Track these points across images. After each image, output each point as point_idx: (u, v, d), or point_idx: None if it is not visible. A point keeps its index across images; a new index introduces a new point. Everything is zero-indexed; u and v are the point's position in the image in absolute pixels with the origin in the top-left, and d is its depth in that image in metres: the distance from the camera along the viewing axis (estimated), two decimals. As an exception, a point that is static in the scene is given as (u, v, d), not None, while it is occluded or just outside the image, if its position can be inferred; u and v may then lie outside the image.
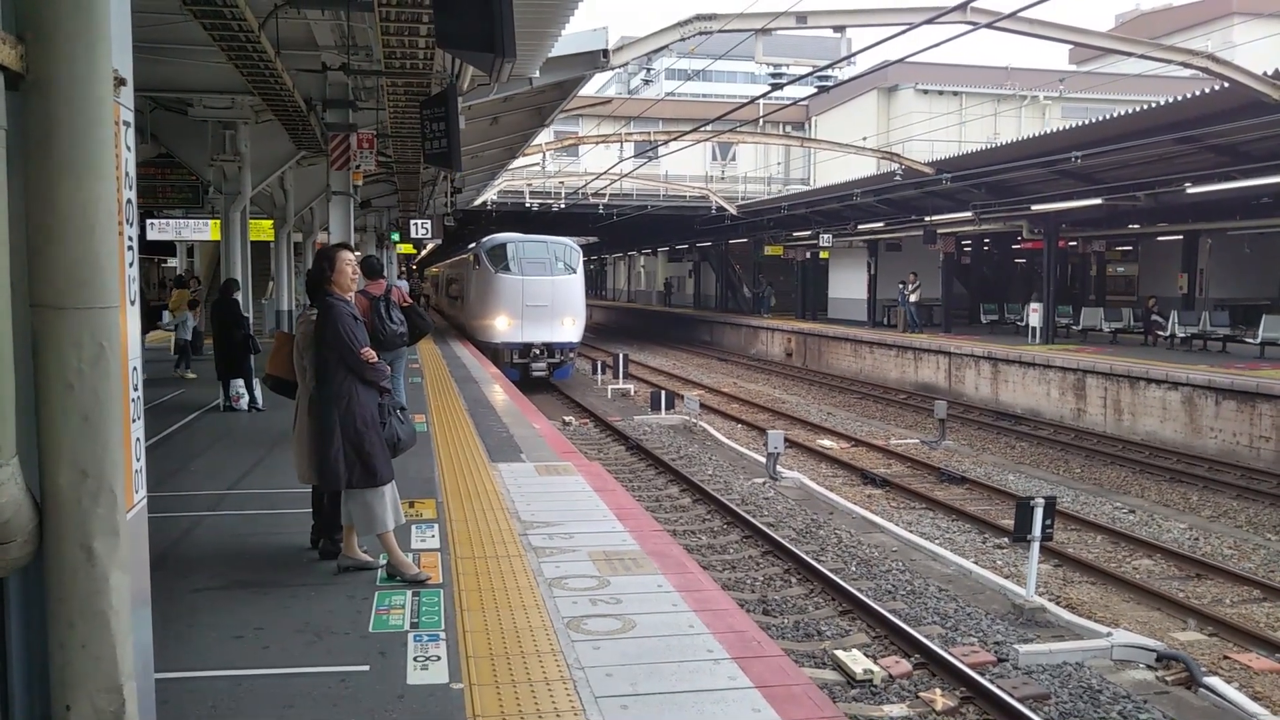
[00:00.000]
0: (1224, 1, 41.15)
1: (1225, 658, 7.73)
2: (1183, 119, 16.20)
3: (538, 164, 35.20)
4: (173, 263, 33.06)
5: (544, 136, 24.34)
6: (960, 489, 13.54)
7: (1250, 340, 19.67)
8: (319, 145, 13.14)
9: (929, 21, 12.92)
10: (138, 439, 2.68)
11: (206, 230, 17.87)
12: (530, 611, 5.04)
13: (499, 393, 15.22)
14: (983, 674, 6.76)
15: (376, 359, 5.50)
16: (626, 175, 30.87)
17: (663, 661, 4.46)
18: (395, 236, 27.20)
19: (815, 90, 44.38)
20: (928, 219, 25.88)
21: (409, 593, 5.28)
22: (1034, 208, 22.34)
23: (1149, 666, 7.31)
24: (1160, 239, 26.37)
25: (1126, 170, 19.57)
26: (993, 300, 29.57)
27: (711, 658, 4.53)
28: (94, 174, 2.37)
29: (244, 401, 12.22)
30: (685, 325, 43.60)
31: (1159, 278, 27.22)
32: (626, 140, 29.11)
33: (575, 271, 24.62)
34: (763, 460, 14.23)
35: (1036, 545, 8.51)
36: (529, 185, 35.24)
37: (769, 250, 37.13)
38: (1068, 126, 19.26)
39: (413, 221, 22.36)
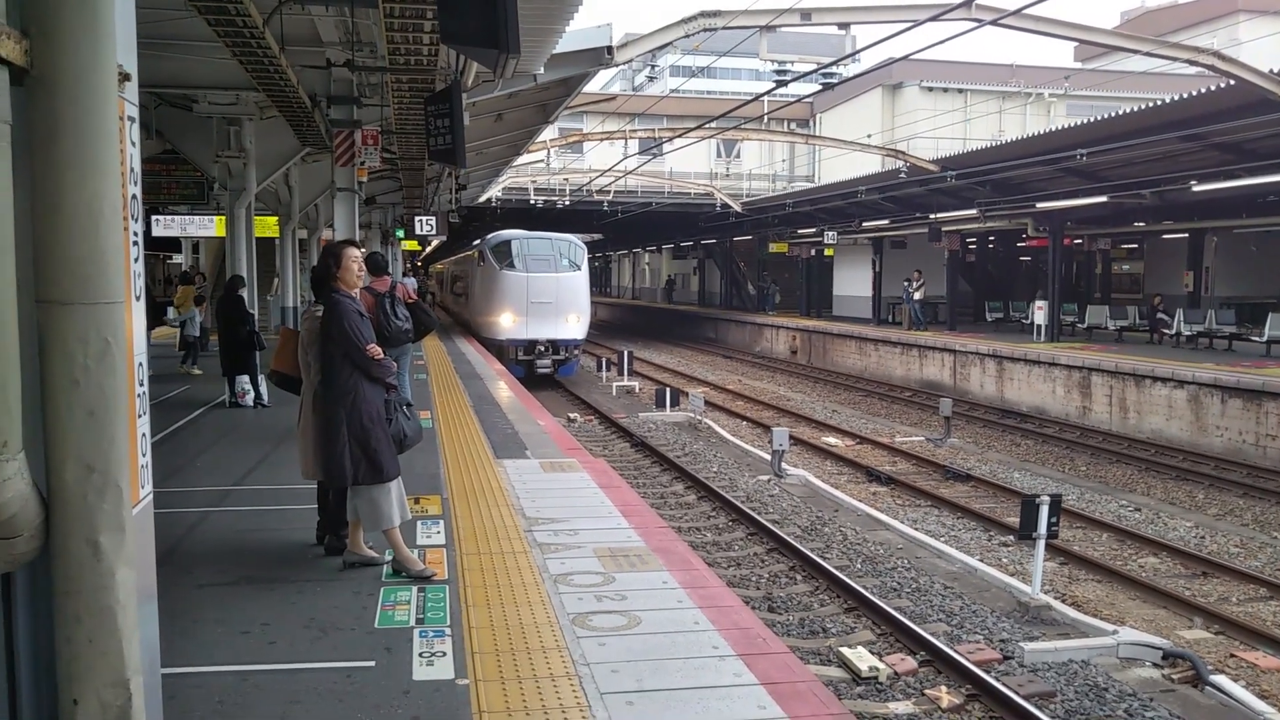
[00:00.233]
0: (1230, -2, 41.01)
1: (1231, 656, 7.72)
2: (1188, 117, 16.15)
3: (542, 161, 35.21)
4: (178, 259, 33.10)
5: (548, 133, 24.31)
6: (965, 486, 13.52)
7: (1256, 338, 19.61)
8: (324, 141, 13.13)
9: (934, 18, 12.89)
10: (143, 434, 2.68)
11: (211, 226, 17.87)
12: (535, 607, 5.05)
13: (504, 389, 15.23)
14: (988, 671, 6.75)
15: (382, 355, 5.50)
16: (631, 172, 30.84)
17: (668, 658, 4.46)
18: (400, 233, 27.18)
19: (820, 87, 44.34)
20: (933, 216, 25.84)
21: (414, 589, 5.28)
22: (1039, 205, 22.29)
23: (1155, 664, 7.30)
24: (1166, 237, 26.30)
25: (1132, 168, 19.52)
26: (998, 298, 29.52)
27: (717, 654, 4.53)
28: (99, 170, 2.36)
29: (249, 398, 12.24)
30: (690, 322, 43.58)
31: (1165, 276, 27.17)
32: (631, 137, 29.10)
33: (580, 268, 24.61)
34: (768, 457, 14.23)
35: (1042, 543, 8.49)
36: (533, 182, 35.24)
37: (774, 247, 37.11)
38: (1073, 124, 19.20)
39: (418, 218, 22.36)
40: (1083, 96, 41.14)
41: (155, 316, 20.31)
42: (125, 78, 2.50)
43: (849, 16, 15.03)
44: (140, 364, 2.66)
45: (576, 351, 24.46)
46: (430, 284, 48.67)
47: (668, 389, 19.96)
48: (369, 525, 5.55)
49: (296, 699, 3.95)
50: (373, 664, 4.29)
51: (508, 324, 23.52)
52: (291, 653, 4.45)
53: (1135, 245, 29.76)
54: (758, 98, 18.69)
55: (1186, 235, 24.33)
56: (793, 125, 45.64)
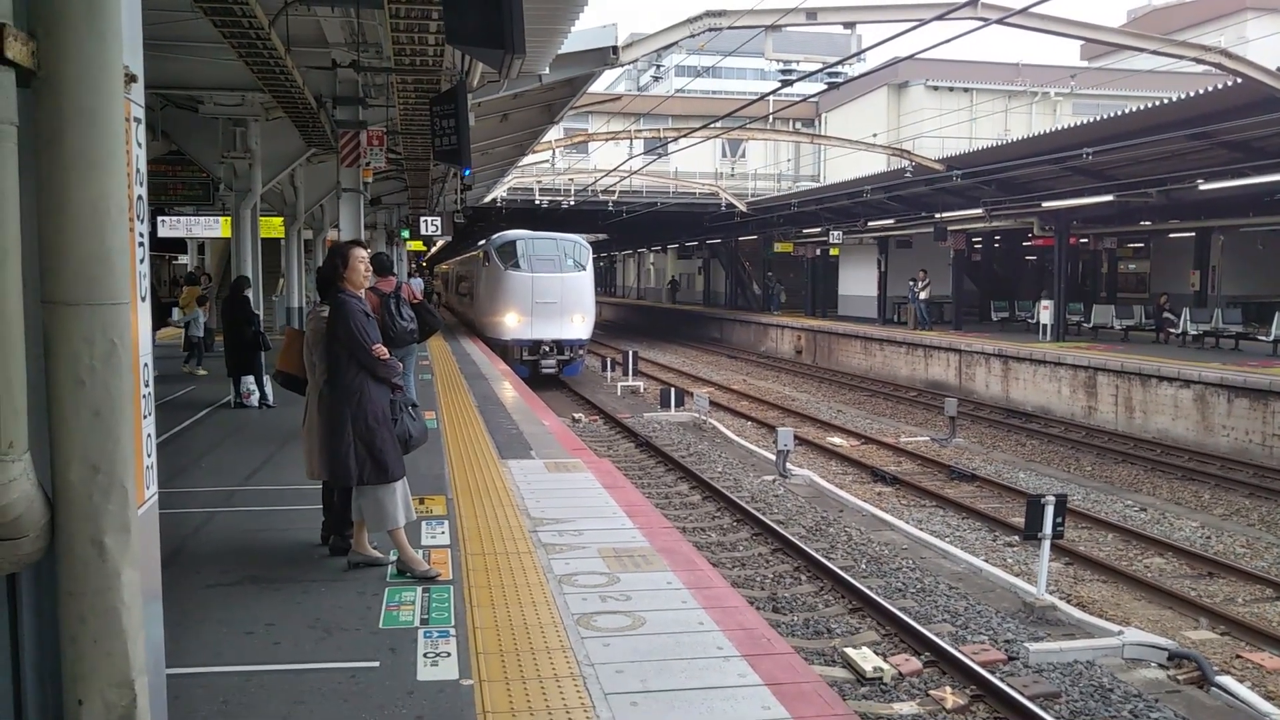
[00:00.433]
0: (1237, -3, 40.90)
1: (1238, 657, 7.70)
2: (1195, 115, 16.11)
3: (547, 161, 35.24)
4: (183, 259, 33.18)
5: (553, 133, 24.33)
6: (970, 487, 13.50)
7: (1263, 338, 19.57)
8: (329, 142, 13.15)
9: (939, 17, 12.86)
10: (149, 435, 2.68)
11: (217, 227, 17.92)
12: (540, 608, 5.05)
13: (508, 389, 15.24)
14: (993, 672, 6.74)
15: (388, 355, 5.51)
16: (636, 172, 30.84)
17: (672, 658, 4.46)
18: (405, 233, 27.22)
19: (825, 87, 44.25)
20: (938, 216, 25.80)
21: (419, 589, 5.29)
22: (1045, 204, 22.26)
23: (1160, 665, 7.28)
24: (1172, 236, 26.26)
25: (1138, 167, 19.48)
26: (1003, 297, 29.47)
27: (721, 655, 4.53)
28: (105, 170, 2.37)
29: (254, 398, 12.26)
30: (695, 322, 43.57)
31: (1171, 275, 27.11)
32: (636, 137, 29.05)
33: (585, 269, 24.61)
34: (772, 458, 14.22)
35: (1047, 543, 8.48)
36: (538, 182, 35.25)
37: (779, 247, 37.08)
38: (1079, 123, 19.17)
39: (423, 218, 22.38)
40: (1089, 95, 41.05)
41: (160, 317, 20.35)
42: (131, 79, 2.51)
43: (854, 16, 15.01)
44: (146, 364, 2.66)
45: (581, 352, 24.46)
46: (436, 284, 48.73)
47: (672, 389, 19.96)
48: (374, 525, 5.56)
49: (301, 699, 3.95)
50: (377, 664, 4.30)
51: (512, 324, 23.53)
52: (296, 653, 4.45)
53: (1141, 244, 29.71)
54: (763, 97, 18.67)
55: (1193, 234, 24.28)
56: (798, 125, 45.64)
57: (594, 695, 4.03)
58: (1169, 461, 15.02)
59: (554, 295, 23.50)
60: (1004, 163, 21.55)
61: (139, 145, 2.64)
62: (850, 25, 15.94)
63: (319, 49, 11.03)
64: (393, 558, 5.63)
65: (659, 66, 77.53)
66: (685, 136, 24.56)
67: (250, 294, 12.85)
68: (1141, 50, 17.47)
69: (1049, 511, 8.38)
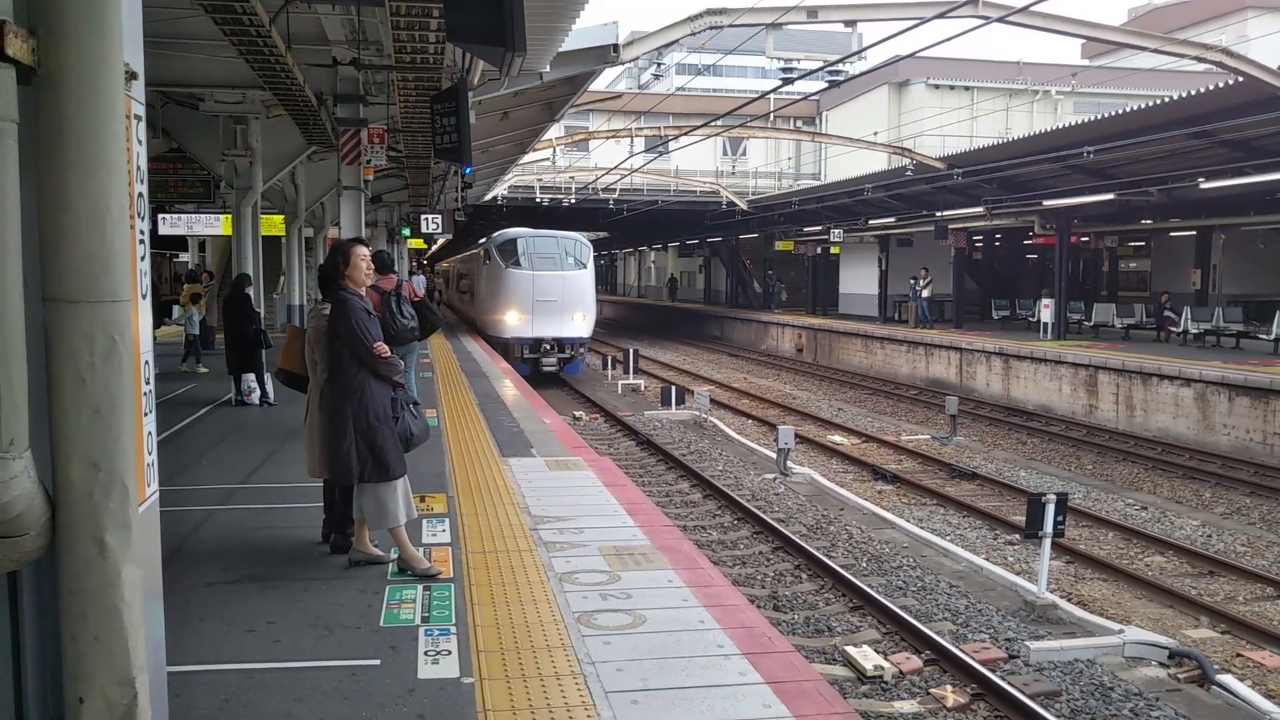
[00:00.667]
0: (1238, -5, 40.86)
1: (1238, 655, 7.69)
2: (1196, 114, 16.10)
3: (548, 159, 35.21)
4: (184, 257, 33.19)
5: (554, 131, 24.32)
6: (971, 485, 13.50)
7: (1264, 336, 19.55)
8: (330, 140, 13.16)
9: (940, 16, 12.86)
10: (149, 433, 2.68)
11: (218, 225, 17.94)
12: (541, 606, 5.05)
13: (509, 388, 15.24)
14: (994, 671, 6.74)
15: (389, 353, 5.50)
16: (637, 170, 30.84)
17: (673, 657, 4.46)
18: (406, 231, 27.23)
19: (826, 85, 44.23)
20: (939, 214, 25.79)
21: (420, 587, 5.29)
22: (1046, 203, 22.24)
23: (1161, 664, 7.28)
24: (1173, 234, 26.24)
25: (1139, 165, 19.47)
26: (1004, 296, 29.45)
27: (722, 653, 4.53)
28: (105, 168, 2.37)
29: (255, 396, 12.26)
30: (695, 321, 43.58)
31: (1172, 274, 27.09)
32: (637, 135, 29.06)
33: (585, 267, 24.60)
34: (773, 456, 14.22)
35: (1048, 542, 8.47)
36: (539, 180, 35.24)
37: (779, 245, 37.06)
38: (1080, 121, 19.15)
39: (423, 216, 22.35)
40: (1090, 94, 41.02)
41: (160, 315, 20.37)
42: (132, 76, 2.51)
43: (855, 14, 15.00)
44: (146, 362, 2.66)
45: (582, 350, 24.45)
46: (437, 281, 48.74)
47: (673, 387, 19.96)
48: (374, 523, 5.55)
49: (301, 697, 3.95)
50: (378, 662, 4.30)
51: (513, 322, 23.53)
52: (296, 651, 4.46)
53: (1142, 243, 29.69)
54: (764, 95, 18.66)
55: (1194, 233, 24.26)
56: (799, 123, 45.62)
57: (594, 693, 4.03)
58: (1170, 460, 15.01)
59: (555, 293, 23.49)
60: (1005, 161, 21.54)
61: (140, 143, 2.64)
62: (851, 23, 15.91)
63: (320, 46, 11.02)
64: (394, 556, 5.64)
65: (660, 64, 77.46)
66: (686, 134, 24.57)
67: (251, 292, 12.86)
68: (1142, 49, 17.47)
69: (1050, 510, 8.38)
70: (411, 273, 36.96)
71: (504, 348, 23.25)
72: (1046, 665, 7.09)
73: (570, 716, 3.82)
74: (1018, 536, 10.51)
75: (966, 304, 28.80)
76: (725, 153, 48.38)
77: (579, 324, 23.81)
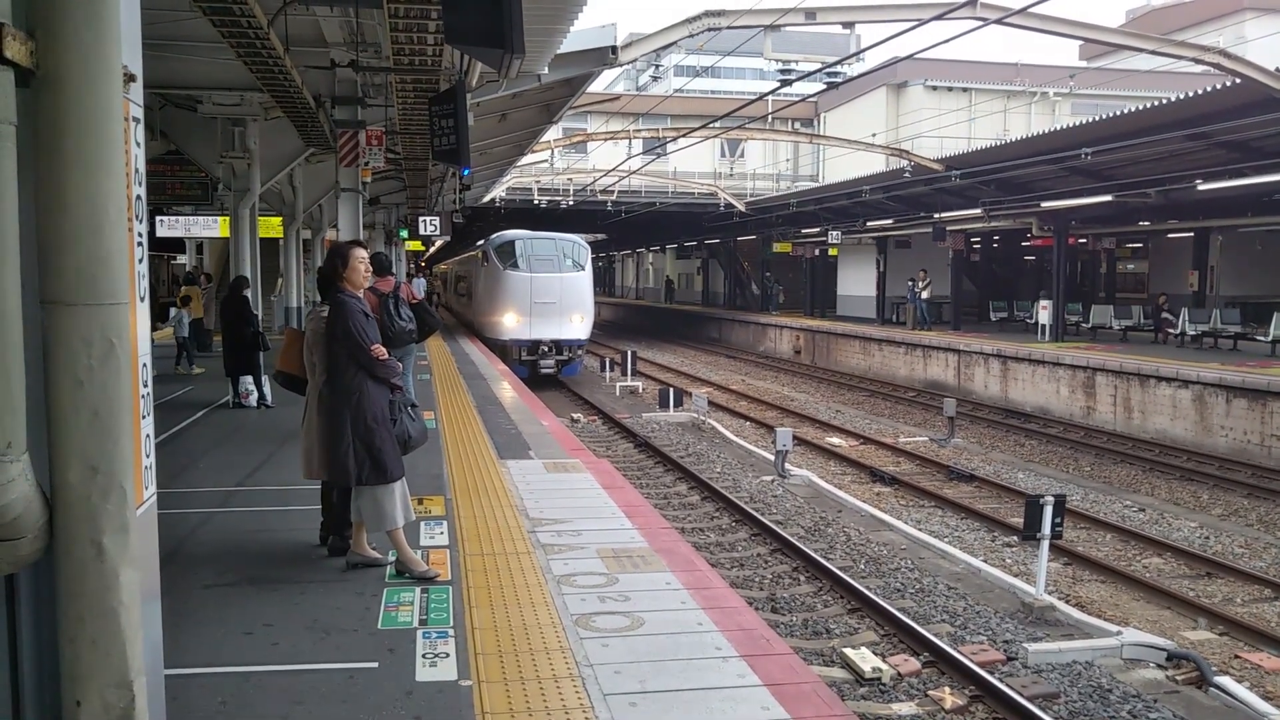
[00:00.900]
0: (1236, -3, 40.93)
1: (1236, 657, 7.70)
2: (1194, 115, 16.12)
3: (546, 161, 35.21)
4: (182, 259, 33.16)
5: (552, 133, 24.32)
6: (969, 487, 13.51)
7: (1261, 338, 19.57)
8: (328, 142, 13.15)
9: (938, 17, 12.87)
10: (147, 435, 2.68)
11: (216, 227, 17.90)
12: (539, 608, 5.04)
13: (507, 390, 15.23)
14: (992, 672, 6.74)
15: (387, 355, 5.50)
16: (635, 172, 30.83)
17: (671, 659, 4.46)
18: (404, 233, 27.21)
19: (824, 87, 44.21)
20: (937, 216, 25.81)
21: (418, 589, 5.29)
22: (1044, 205, 22.26)
23: (1159, 666, 7.29)
24: (1171, 236, 26.26)
25: (1137, 167, 19.49)
26: (1002, 297, 29.50)
27: (720, 655, 4.52)
28: (104, 170, 2.36)
29: (253, 398, 12.25)
30: (693, 322, 43.58)
31: (1169, 275, 27.12)
32: (635, 137, 29.08)
33: (583, 269, 24.61)
34: (771, 458, 14.22)
35: (1046, 543, 8.48)
36: (537, 182, 35.25)
37: (777, 247, 37.09)
38: (1078, 123, 19.18)
39: (421, 218, 22.34)
40: (1088, 95, 41.07)
41: (158, 318, 20.35)
42: (130, 78, 2.50)
43: (853, 16, 15.02)
44: (144, 365, 2.66)
45: (580, 352, 24.46)
46: (435, 283, 48.75)
47: (671, 389, 19.96)
48: (372, 526, 5.55)
49: (299, 700, 3.95)
50: (375, 665, 4.30)
51: (511, 324, 23.52)
52: (294, 654, 4.45)
53: (1140, 244, 29.72)
54: (762, 97, 18.67)
55: (1191, 234, 24.28)
56: (797, 125, 45.64)
57: (593, 696, 4.03)
58: (1167, 462, 15.03)
59: (553, 295, 23.49)
60: (1003, 163, 21.56)
61: (138, 145, 2.64)
62: (849, 25, 15.95)
63: (318, 49, 11.02)
64: (391, 558, 5.63)
65: (658, 66, 77.53)
66: (684, 136, 24.56)
67: (249, 294, 12.84)
68: (1140, 50, 17.49)
69: (1048, 512, 8.38)
70: (411, 275, 36.98)
71: (502, 350, 23.24)
72: (1045, 667, 7.10)
73: (568, 719, 3.82)
74: (1016, 538, 10.51)
75: (964, 306, 28.82)
76: (723, 154, 48.41)
77: (577, 326, 23.82)
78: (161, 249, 30.32)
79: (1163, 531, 11.35)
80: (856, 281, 34.65)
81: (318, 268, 5.91)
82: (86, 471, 2.37)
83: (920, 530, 10.99)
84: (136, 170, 2.61)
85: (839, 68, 45.62)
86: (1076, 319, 24.84)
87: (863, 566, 9.56)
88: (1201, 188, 18.42)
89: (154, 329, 20.46)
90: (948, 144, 32.77)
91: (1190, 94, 15.60)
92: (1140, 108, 17.03)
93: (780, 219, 34.26)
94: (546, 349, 23.51)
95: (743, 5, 14.60)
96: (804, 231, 34.18)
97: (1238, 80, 14.38)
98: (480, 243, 29.66)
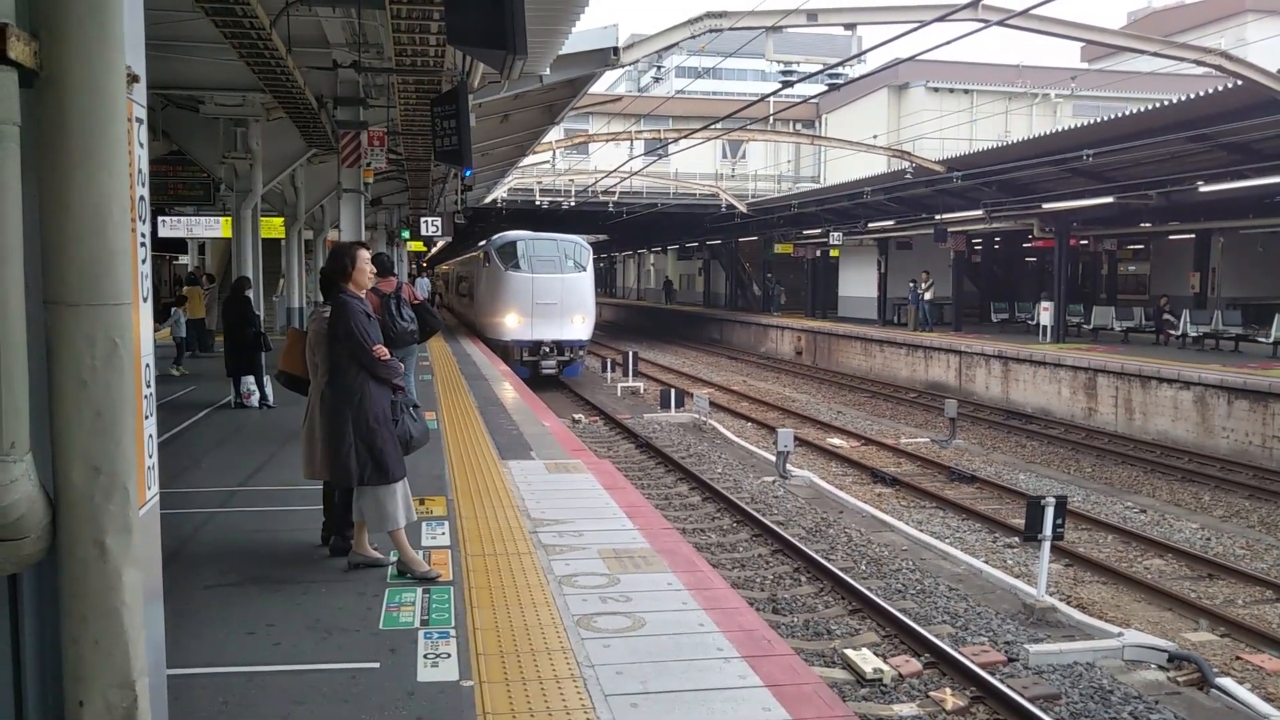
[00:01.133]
0: (1237, -1, 40.93)
1: (1238, 658, 7.70)
2: (1195, 117, 16.12)
3: (548, 162, 35.24)
4: (184, 259, 33.18)
5: (554, 134, 24.33)
6: (970, 488, 13.50)
7: (1263, 339, 19.56)
8: (330, 143, 13.15)
9: (940, 19, 12.87)
10: (150, 435, 2.68)
11: (218, 227, 17.91)
12: (540, 609, 5.05)
13: (509, 390, 15.24)
14: (993, 674, 6.74)
15: (389, 356, 5.50)
16: (636, 173, 30.84)
17: (673, 660, 4.46)
18: (406, 234, 27.23)
19: (825, 88, 44.23)
20: (938, 217, 25.81)
21: (419, 590, 5.29)
22: (1045, 206, 22.26)
23: (1160, 667, 7.28)
24: (1172, 238, 26.26)
25: (1138, 169, 19.49)
26: (1003, 299, 29.50)
27: (721, 656, 4.52)
28: (107, 171, 2.37)
29: (255, 398, 12.26)
30: (695, 323, 43.58)
31: (1171, 277, 27.12)
32: (636, 138, 29.09)
33: (585, 269, 24.62)
34: (772, 459, 14.22)
35: (1047, 545, 8.47)
36: (539, 183, 35.26)
37: (779, 248, 37.08)
38: (1079, 125, 19.18)
39: (423, 219, 22.38)
40: (1089, 97, 41.07)
41: (159, 318, 20.37)
42: (133, 79, 2.51)
43: (855, 17, 15.02)
44: (147, 365, 2.66)
45: (581, 352, 24.46)
46: (437, 284, 48.75)
47: (672, 390, 19.95)
48: (374, 526, 5.55)
49: (301, 700, 3.95)
50: (377, 665, 4.30)
51: (513, 325, 23.53)
52: (296, 654, 4.45)
53: (1141, 246, 29.71)
54: (764, 98, 18.71)
55: (1193, 236, 24.28)
56: (798, 126, 45.65)
57: (594, 697, 4.03)
58: (1169, 463, 15.02)
59: (554, 296, 23.50)
60: (1004, 164, 21.56)
61: (141, 145, 2.64)
62: (851, 27, 15.94)
63: (320, 49, 11.03)
64: (393, 559, 5.63)
65: (659, 68, 77.50)
66: (686, 137, 24.57)
67: (251, 294, 12.85)
68: (1142, 52, 17.48)
69: (1049, 513, 8.38)
70: (414, 276, 36.98)
71: (503, 350, 23.25)
72: (1046, 668, 7.09)
73: (569, 719, 3.82)
74: (1017, 539, 10.50)
75: (965, 307, 28.82)
76: (725, 155, 48.41)
77: (578, 326, 23.82)
78: (163, 249, 30.36)
79: (1164, 533, 11.35)
80: (858, 282, 34.65)
81: (320, 268, 5.92)
82: (89, 472, 2.37)
83: (921, 531, 10.98)
84: (139, 171, 2.62)
85: (840, 69, 45.67)
86: (1078, 320, 24.84)
87: (864, 567, 9.56)
88: (1203, 189, 18.42)
89: (157, 329, 20.52)
90: (949, 145, 32.79)
91: (1192, 96, 15.60)
92: (1142, 109, 17.02)
93: (782, 220, 34.27)
94: (548, 350, 23.52)
95: (744, 6, 14.61)
96: (805, 233, 34.18)
97: (1239, 82, 14.38)
98: (482, 243, 29.66)
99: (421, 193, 21.78)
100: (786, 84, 17.41)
